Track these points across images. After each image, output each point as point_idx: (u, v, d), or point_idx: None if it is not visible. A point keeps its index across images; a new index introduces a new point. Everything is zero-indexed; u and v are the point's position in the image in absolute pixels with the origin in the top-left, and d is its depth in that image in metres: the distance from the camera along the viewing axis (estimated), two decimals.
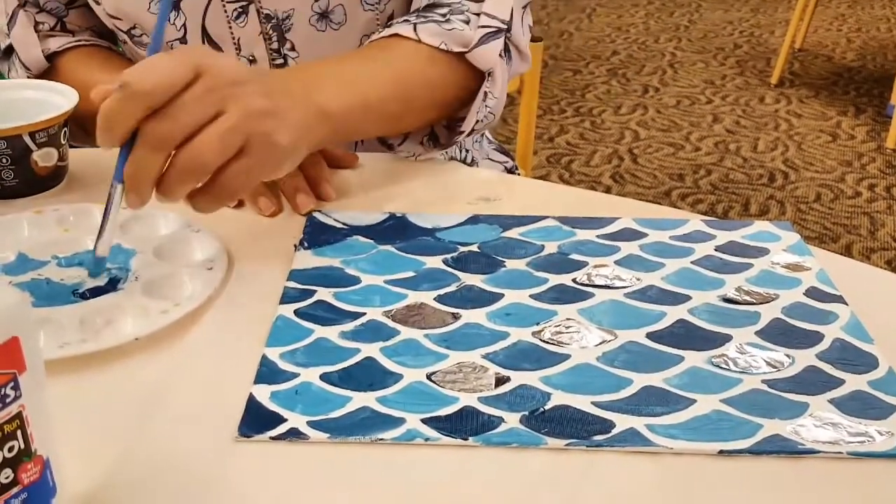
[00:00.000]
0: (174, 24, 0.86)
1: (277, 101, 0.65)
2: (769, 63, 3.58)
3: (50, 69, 0.94)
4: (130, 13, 0.87)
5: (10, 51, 0.95)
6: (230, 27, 0.87)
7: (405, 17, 0.84)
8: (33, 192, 0.78)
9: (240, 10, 0.86)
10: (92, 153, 0.86)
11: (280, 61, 0.89)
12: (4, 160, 0.76)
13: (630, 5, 4.40)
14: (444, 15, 0.82)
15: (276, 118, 0.64)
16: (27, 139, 0.76)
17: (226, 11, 0.86)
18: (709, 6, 4.40)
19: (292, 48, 0.88)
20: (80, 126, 0.85)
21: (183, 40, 0.87)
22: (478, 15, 0.83)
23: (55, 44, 0.93)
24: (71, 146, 0.82)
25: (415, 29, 0.81)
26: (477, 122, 0.84)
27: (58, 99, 0.80)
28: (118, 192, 0.62)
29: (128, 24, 0.88)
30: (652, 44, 3.86)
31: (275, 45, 0.88)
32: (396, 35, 0.81)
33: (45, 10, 0.94)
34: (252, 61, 0.88)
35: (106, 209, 0.63)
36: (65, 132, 0.79)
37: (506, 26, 0.83)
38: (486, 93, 0.83)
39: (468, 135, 0.85)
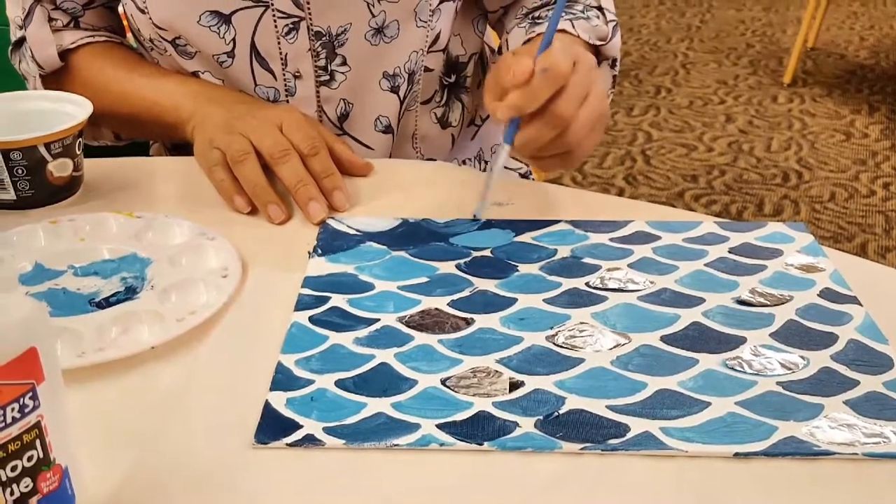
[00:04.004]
0: (224, 37, 0.87)
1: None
2: (782, 62, 3.57)
3: (63, 67, 0.94)
4: (179, 26, 0.87)
5: (20, 42, 0.95)
6: (279, 43, 0.88)
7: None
8: (49, 202, 0.79)
9: (291, 26, 0.87)
10: (107, 163, 0.86)
11: (326, 78, 0.90)
12: (20, 171, 0.76)
13: (641, 6, 4.39)
14: (582, 11, 0.90)
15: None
16: (42, 150, 0.76)
17: (276, 27, 0.87)
18: (720, 6, 4.38)
19: (343, 63, 0.90)
20: (93, 123, 0.84)
21: (231, 54, 0.88)
22: (600, 9, 0.91)
23: (69, 38, 0.93)
24: (86, 146, 0.82)
25: (573, 25, 0.88)
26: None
27: (72, 109, 0.81)
28: (505, 153, 0.72)
29: (172, 34, 0.89)
30: (664, 44, 3.85)
31: (322, 63, 0.89)
32: (563, 31, 0.88)
33: (61, 9, 0.94)
34: (297, 77, 0.90)
35: (492, 166, 0.74)
36: (79, 142, 0.79)
37: (617, 19, 0.93)
38: (614, 76, 0.93)
39: None
